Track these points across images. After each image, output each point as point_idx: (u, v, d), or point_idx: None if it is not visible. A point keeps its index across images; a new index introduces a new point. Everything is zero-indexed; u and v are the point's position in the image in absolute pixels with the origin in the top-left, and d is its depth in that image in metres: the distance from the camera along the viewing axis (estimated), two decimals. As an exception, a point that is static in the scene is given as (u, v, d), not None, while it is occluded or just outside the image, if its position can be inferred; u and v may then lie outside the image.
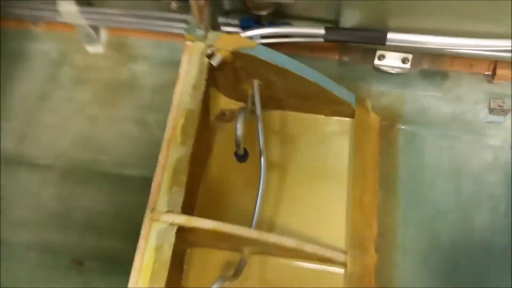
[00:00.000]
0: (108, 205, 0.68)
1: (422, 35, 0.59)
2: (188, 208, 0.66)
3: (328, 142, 0.71)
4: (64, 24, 0.77)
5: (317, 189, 0.69)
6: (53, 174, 0.70)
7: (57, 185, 0.70)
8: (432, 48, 0.60)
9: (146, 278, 0.50)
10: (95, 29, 0.76)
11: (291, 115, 0.73)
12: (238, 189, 0.69)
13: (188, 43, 0.59)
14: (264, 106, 0.73)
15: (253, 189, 0.64)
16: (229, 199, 0.69)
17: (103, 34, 0.78)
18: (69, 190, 0.70)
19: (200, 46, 0.59)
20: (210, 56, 0.60)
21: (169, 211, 0.51)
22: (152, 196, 0.52)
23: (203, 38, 0.59)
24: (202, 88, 0.58)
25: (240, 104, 0.73)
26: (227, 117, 0.74)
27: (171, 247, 0.51)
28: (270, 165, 0.70)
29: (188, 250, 0.65)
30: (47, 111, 0.75)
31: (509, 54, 0.60)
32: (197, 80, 0.58)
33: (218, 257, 0.65)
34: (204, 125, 0.72)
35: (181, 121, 0.56)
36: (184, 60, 0.59)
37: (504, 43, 0.57)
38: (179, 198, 0.53)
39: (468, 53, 0.61)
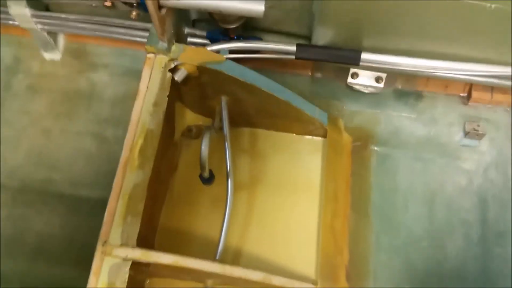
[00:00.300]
0: (62, 228, 0.63)
1: (396, 56, 0.56)
2: (148, 234, 0.62)
3: (299, 162, 0.68)
4: (21, 28, 0.71)
5: (287, 211, 0.65)
6: (5, 194, 0.64)
7: (8, 205, 0.64)
8: (406, 70, 0.57)
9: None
10: (53, 34, 0.71)
11: (262, 132, 0.70)
12: (204, 211, 0.65)
13: (150, 55, 0.55)
14: (234, 123, 0.69)
15: (220, 211, 0.59)
16: (194, 222, 0.64)
17: (61, 40, 0.72)
18: (21, 212, 0.64)
19: (162, 59, 0.55)
20: (173, 71, 0.55)
21: (122, 245, 0.47)
22: (104, 227, 0.47)
23: (166, 51, 0.55)
24: (164, 105, 0.54)
25: (208, 120, 0.69)
26: (194, 133, 0.69)
27: (125, 284, 0.46)
28: (238, 185, 0.66)
29: (147, 281, 0.61)
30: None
31: (484, 79, 0.58)
32: (158, 97, 0.53)
33: None
34: (168, 141, 0.67)
35: (140, 142, 0.51)
36: (145, 74, 0.54)
37: (479, 68, 0.55)
38: (135, 229, 0.48)
39: (442, 76, 0.59)
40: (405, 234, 0.64)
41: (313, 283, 0.54)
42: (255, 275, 0.51)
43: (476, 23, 0.49)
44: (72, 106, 0.70)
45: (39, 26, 0.68)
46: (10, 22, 0.69)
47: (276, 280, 0.52)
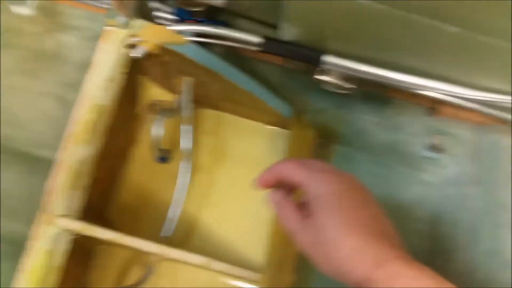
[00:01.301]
0: (20, 186, 0.63)
1: (360, 63, 0.54)
2: (102, 207, 0.63)
3: (260, 150, 0.68)
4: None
5: (244, 197, 0.65)
6: (-37, 149, 0.64)
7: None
8: (369, 78, 0.56)
9: (32, 282, 0.46)
10: (24, -12, 0.69)
11: (226, 117, 0.69)
12: (163, 188, 0.65)
13: (108, 28, 0.53)
14: (198, 103, 0.68)
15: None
16: (151, 197, 0.65)
17: (33, -5, 0.70)
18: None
19: (120, 34, 0.53)
20: (132, 47, 0.54)
21: (65, 215, 0.47)
22: (47, 196, 0.48)
23: (126, 26, 0.53)
24: (119, 81, 0.53)
25: (173, 97, 0.69)
26: (158, 108, 0.69)
27: (64, 254, 0.47)
28: (197, 166, 0.66)
29: (97, 247, 0.62)
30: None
31: (449, 98, 0.57)
32: (114, 72, 0.52)
33: (127, 257, 0.62)
34: (129, 114, 0.67)
35: (89, 117, 0.50)
36: (100, 47, 0.53)
37: (445, 87, 0.53)
38: (78, 203, 0.48)
39: (407, 90, 0.58)
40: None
41: (258, 271, 0.54)
42: (196, 259, 0.51)
43: (437, 42, 0.48)
44: (38, 66, 0.68)
45: (10, -22, 0.66)
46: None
47: (217, 265, 0.52)
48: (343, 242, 0.34)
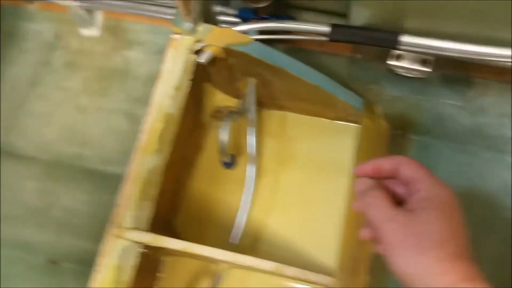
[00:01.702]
0: (88, 204, 0.65)
1: (441, 40, 0.50)
2: (170, 216, 0.63)
3: (330, 149, 0.65)
4: (60, 4, 0.72)
5: (313, 198, 0.63)
6: (37, 168, 0.67)
7: (39, 179, 0.66)
8: (453, 55, 0.51)
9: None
10: (90, 11, 0.71)
11: (291, 116, 0.67)
12: (229, 194, 0.64)
13: (175, 36, 0.53)
14: (262, 105, 0.67)
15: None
16: (218, 204, 0.64)
17: (99, 16, 0.73)
18: (51, 186, 0.66)
19: (187, 40, 0.53)
20: (198, 53, 0.54)
21: (134, 228, 0.47)
22: (117, 210, 0.48)
23: (192, 32, 0.53)
24: (186, 89, 0.52)
25: (237, 101, 0.68)
26: (223, 114, 0.68)
27: (133, 267, 0.47)
28: (264, 169, 0.64)
29: (163, 258, 0.62)
30: (37, 98, 0.71)
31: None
32: (181, 80, 0.52)
33: (195, 267, 0.61)
34: (195, 123, 0.67)
35: (158, 126, 0.50)
36: (169, 56, 0.53)
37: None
38: (148, 214, 0.48)
39: (495, 63, 0.52)
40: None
41: (331, 275, 0.52)
42: (267, 265, 0.49)
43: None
44: (106, 84, 0.70)
45: (77, 3, 0.68)
46: (52, -1, 0.70)
47: (289, 270, 0.50)
48: (443, 244, 0.34)
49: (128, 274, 0.46)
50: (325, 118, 0.66)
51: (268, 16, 0.58)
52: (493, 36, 0.49)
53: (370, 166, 0.42)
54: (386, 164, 0.41)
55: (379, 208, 0.38)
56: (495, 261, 0.57)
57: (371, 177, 0.41)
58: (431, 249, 0.34)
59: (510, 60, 0.50)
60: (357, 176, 0.43)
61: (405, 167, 0.40)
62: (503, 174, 0.60)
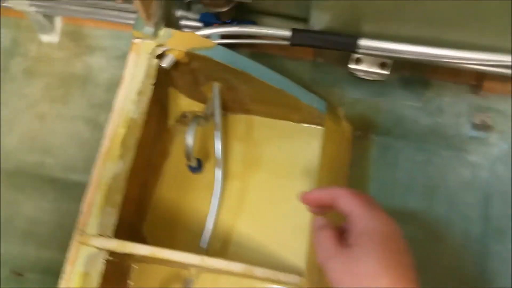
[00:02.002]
0: (52, 213, 0.63)
1: (398, 43, 0.52)
2: (136, 222, 0.62)
3: (296, 151, 0.66)
4: (17, 10, 0.70)
5: (281, 200, 0.63)
6: (-2, 177, 0.65)
7: (0, 189, 0.64)
8: (409, 58, 0.53)
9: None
10: (49, 17, 0.70)
11: (257, 120, 0.67)
12: (196, 199, 0.64)
13: (136, 41, 0.53)
14: (228, 109, 0.67)
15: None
16: (186, 209, 0.63)
17: (58, 22, 0.71)
18: (13, 195, 0.64)
19: (148, 45, 0.53)
20: (160, 57, 0.53)
21: (99, 235, 0.46)
22: (82, 217, 0.47)
23: (153, 36, 0.53)
24: (149, 93, 0.52)
25: (203, 106, 0.68)
26: (189, 119, 0.68)
27: (100, 274, 0.46)
28: (231, 173, 0.65)
29: (134, 266, 0.61)
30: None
31: (497, 69, 0.53)
32: (143, 85, 0.52)
33: (165, 273, 0.60)
34: (161, 128, 0.66)
35: (121, 132, 0.50)
36: (130, 60, 0.52)
37: (491, 57, 0.50)
38: (112, 220, 0.47)
39: (450, 65, 0.55)
40: (400, 228, 0.61)
41: (300, 274, 0.52)
42: (236, 267, 0.49)
43: (485, 8, 0.45)
44: (67, 90, 0.69)
45: (33, 8, 0.67)
46: (7, 4, 0.68)
47: (259, 271, 0.50)
48: (377, 280, 0.35)
49: (95, 282, 0.45)
50: (290, 121, 0.66)
51: (230, 21, 0.59)
52: (448, 38, 0.51)
53: (311, 196, 0.44)
54: (324, 196, 0.43)
55: (323, 248, 0.39)
56: (456, 253, 0.59)
57: (320, 206, 0.43)
58: (368, 285, 0.35)
59: (463, 61, 0.52)
60: (304, 202, 0.45)
61: (340, 201, 0.41)
62: (462, 171, 0.63)
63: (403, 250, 0.38)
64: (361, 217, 0.39)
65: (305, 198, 0.45)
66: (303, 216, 0.60)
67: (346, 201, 0.40)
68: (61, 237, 0.60)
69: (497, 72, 0.55)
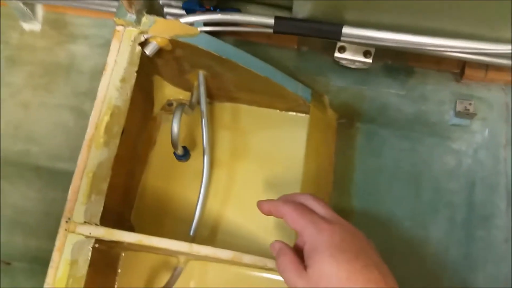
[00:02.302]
0: (38, 202, 0.63)
1: (381, 31, 0.52)
2: (124, 210, 0.62)
3: (282, 139, 0.66)
4: (-2, -3, 0.69)
5: (267, 187, 0.64)
6: (-19, 167, 0.64)
7: (-15, 179, 0.64)
8: (392, 46, 0.54)
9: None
10: (29, 5, 0.69)
11: (243, 108, 0.67)
12: (184, 187, 0.64)
13: (119, 28, 0.53)
14: (214, 97, 0.67)
15: (199, 187, 0.59)
16: (173, 197, 0.64)
17: (39, 10, 0.70)
18: (-3, 184, 0.64)
19: (131, 32, 0.52)
20: (143, 45, 0.53)
21: (86, 222, 0.46)
22: (68, 204, 0.47)
23: (136, 23, 0.52)
24: (132, 81, 0.52)
25: (188, 94, 0.67)
26: (174, 107, 0.68)
27: (87, 262, 0.46)
28: (218, 161, 0.65)
29: (123, 254, 0.61)
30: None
31: (478, 57, 0.54)
32: (127, 72, 0.52)
33: (154, 261, 0.61)
34: (147, 116, 0.66)
35: (105, 119, 0.49)
36: (113, 48, 0.52)
37: (472, 45, 0.51)
38: (99, 207, 0.47)
39: (432, 53, 0.55)
40: (386, 215, 0.62)
41: None
42: (224, 254, 0.50)
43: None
44: (51, 79, 0.68)
45: (14, -5, 0.66)
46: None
47: (247, 258, 0.50)
48: None
49: (83, 269, 0.46)
50: (276, 109, 0.67)
51: (213, 8, 0.58)
52: (430, 26, 0.52)
53: (264, 207, 0.46)
54: (274, 210, 0.44)
55: (287, 274, 0.40)
56: (441, 240, 0.60)
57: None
58: None
59: (445, 49, 0.53)
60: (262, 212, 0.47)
61: (287, 219, 0.42)
62: (446, 158, 0.64)
63: (362, 252, 0.38)
64: (306, 234, 0.39)
65: (259, 207, 0.47)
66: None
67: (291, 220, 0.41)
68: (48, 225, 0.60)
69: (478, 60, 0.55)
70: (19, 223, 0.62)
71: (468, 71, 0.63)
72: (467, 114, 0.63)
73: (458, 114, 0.63)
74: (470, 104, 0.63)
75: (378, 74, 0.66)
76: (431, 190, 0.63)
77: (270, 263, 0.52)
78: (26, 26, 0.70)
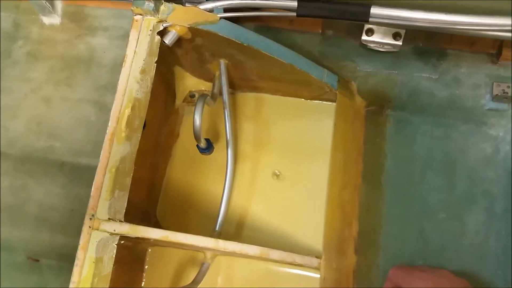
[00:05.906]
0: (63, 197, 0.62)
1: (412, 10, 0.49)
2: (148, 206, 0.61)
3: (307, 129, 0.64)
4: (19, -9, 0.69)
5: (294, 180, 0.62)
6: (6, 164, 0.64)
7: (10, 175, 0.64)
8: (424, 26, 0.50)
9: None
10: (49, -3, 0.68)
11: (267, 97, 0.65)
12: (208, 181, 0.62)
13: (137, 17, 0.51)
14: (236, 87, 0.65)
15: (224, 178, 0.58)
16: (197, 191, 0.62)
17: (58, 3, 0.69)
18: (23, 181, 0.63)
19: (150, 21, 0.51)
20: (162, 34, 0.51)
21: (110, 219, 0.45)
22: (91, 201, 0.46)
23: (154, 12, 0.51)
24: (152, 71, 0.50)
25: (210, 85, 0.66)
26: (196, 99, 0.66)
27: (112, 260, 0.45)
28: (242, 154, 0.63)
29: (149, 249, 0.60)
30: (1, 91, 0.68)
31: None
32: (146, 63, 0.50)
33: (181, 257, 0.60)
34: (169, 109, 0.65)
35: (127, 112, 0.48)
36: (132, 38, 0.50)
37: (508, 22, 0.47)
38: (122, 203, 0.46)
39: (466, 32, 0.52)
40: (420, 206, 0.59)
41: (317, 256, 0.51)
42: (252, 250, 0.48)
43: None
44: (71, 73, 0.67)
45: (33, -11, 0.65)
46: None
47: (274, 254, 0.49)
48: None
49: (108, 267, 0.45)
50: (301, 98, 0.64)
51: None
52: (463, 4, 0.48)
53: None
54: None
55: None
56: (479, 230, 0.57)
57: None
58: None
59: (481, 28, 0.49)
60: None
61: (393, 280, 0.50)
62: (482, 145, 0.60)
63: None
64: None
65: None
66: (319, 197, 0.59)
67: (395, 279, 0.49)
68: (74, 221, 0.60)
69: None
70: (45, 220, 0.62)
71: (506, 51, 0.59)
72: (505, 98, 0.59)
73: (495, 98, 0.60)
74: (508, 86, 0.59)
75: (408, 57, 0.62)
76: (466, 180, 0.59)
77: (298, 259, 0.50)
78: (46, 20, 0.70)
